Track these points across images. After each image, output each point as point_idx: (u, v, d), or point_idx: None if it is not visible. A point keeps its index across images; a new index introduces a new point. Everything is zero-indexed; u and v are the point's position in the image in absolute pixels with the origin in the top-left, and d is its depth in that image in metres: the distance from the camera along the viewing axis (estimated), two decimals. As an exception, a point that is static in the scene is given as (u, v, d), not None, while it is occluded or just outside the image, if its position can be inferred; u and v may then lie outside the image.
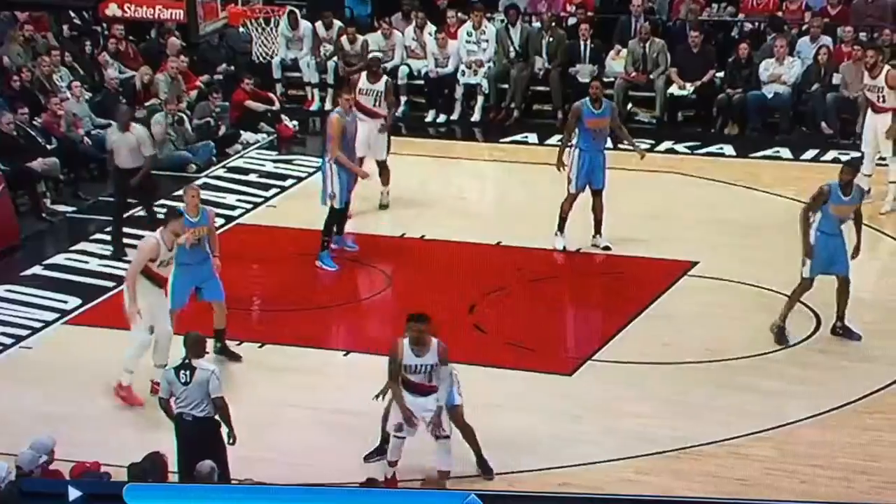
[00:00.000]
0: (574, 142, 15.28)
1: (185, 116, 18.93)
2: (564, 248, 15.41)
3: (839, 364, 12.95)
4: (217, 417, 10.72)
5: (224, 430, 10.74)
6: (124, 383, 12.59)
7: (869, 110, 16.37)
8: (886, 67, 16.38)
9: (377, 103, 16.37)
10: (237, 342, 13.51)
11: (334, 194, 15.02)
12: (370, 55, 18.43)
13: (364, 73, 16.68)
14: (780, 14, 20.43)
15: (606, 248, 15.45)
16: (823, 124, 18.97)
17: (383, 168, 16.61)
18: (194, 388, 10.70)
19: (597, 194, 15.37)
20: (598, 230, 15.51)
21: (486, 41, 20.50)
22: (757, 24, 20.67)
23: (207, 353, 11.21)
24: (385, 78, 16.90)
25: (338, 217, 15.21)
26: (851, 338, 13.38)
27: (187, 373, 10.75)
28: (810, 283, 13.38)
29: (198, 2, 17.12)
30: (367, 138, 16.15)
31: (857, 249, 13.39)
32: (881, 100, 16.25)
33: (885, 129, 16.19)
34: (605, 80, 19.84)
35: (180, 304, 12.95)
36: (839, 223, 13.34)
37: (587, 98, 15.38)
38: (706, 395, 12.53)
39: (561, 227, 15.42)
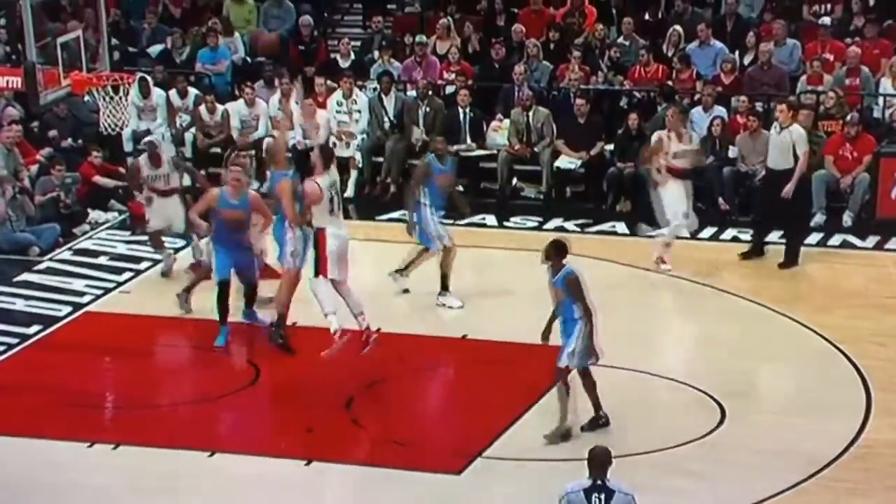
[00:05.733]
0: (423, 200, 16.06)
1: (25, 196, 18.59)
2: (462, 305, 15.81)
3: (744, 460, 12.98)
4: None
5: None
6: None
7: None
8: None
9: (166, 185, 17.17)
10: (88, 443, 13.21)
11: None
12: (145, 140, 18.40)
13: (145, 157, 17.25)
14: (670, 83, 20.76)
15: (452, 307, 16.03)
16: (720, 200, 19.24)
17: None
18: None
19: (447, 250, 16.02)
20: (444, 286, 16.07)
21: (359, 111, 20.52)
22: (646, 93, 20.98)
23: None
24: (166, 159, 17.33)
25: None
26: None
27: (601, 497, 9.94)
28: None
29: (37, 69, 16.89)
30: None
31: None
32: None
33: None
34: (488, 152, 20.04)
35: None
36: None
37: (433, 154, 16.30)
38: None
39: (446, 286, 15.95)
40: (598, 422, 13.28)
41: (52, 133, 20.86)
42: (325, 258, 14.45)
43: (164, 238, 17.39)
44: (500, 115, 20.68)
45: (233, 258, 15.22)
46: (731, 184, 19.26)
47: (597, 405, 13.30)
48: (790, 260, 17.39)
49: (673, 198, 17.10)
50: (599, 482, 9.92)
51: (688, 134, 17.49)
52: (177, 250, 17.49)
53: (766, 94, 20.31)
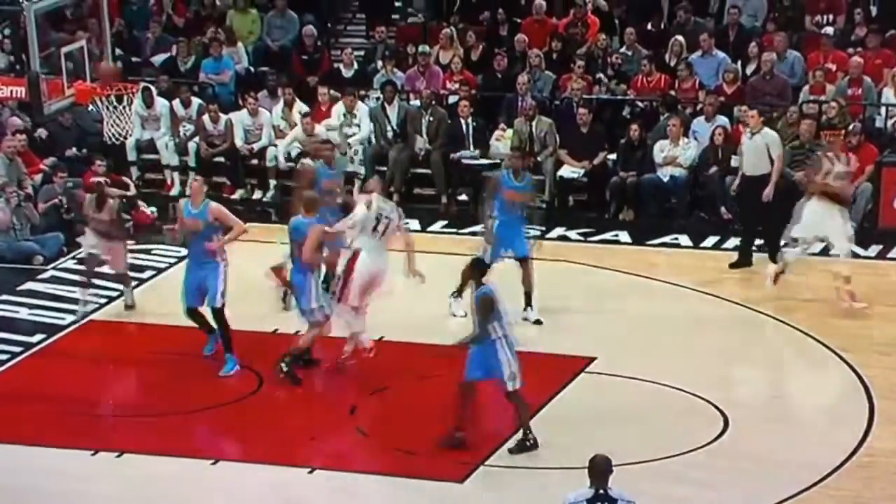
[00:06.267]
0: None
1: (30, 205, 18.66)
2: (466, 314, 15.48)
3: (747, 468, 13.02)
4: None
5: None
6: None
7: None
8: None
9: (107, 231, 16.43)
10: (91, 451, 13.27)
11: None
12: (96, 180, 17.69)
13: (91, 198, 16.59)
14: (672, 93, 20.82)
15: (538, 321, 15.77)
16: (723, 209, 19.29)
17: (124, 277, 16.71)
18: None
19: (523, 263, 15.78)
20: (528, 302, 15.78)
21: (358, 125, 20.59)
22: (649, 103, 21.03)
23: None
24: (110, 203, 16.61)
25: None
26: None
27: None
28: None
29: (41, 79, 16.95)
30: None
31: None
32: None
33: None
34: (490, 161, 20.10)
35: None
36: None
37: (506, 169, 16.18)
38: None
39: (461, 291, 15.55)
40: (454, 436, 13.14)
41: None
42: (348, 283, 14.48)
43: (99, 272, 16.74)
44: (502, 125, 20.74)
45: (197, 278, 14.86)
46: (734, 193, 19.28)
47: (459, 424, 13.15)
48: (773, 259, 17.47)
49: (811, 216, 16.52)
50: (602, 491, 9.86)
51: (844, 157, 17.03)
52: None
53: (769, 103, 20.35)
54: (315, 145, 17.19)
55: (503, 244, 15.88)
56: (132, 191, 19.81)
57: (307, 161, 17.29)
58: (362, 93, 21.28)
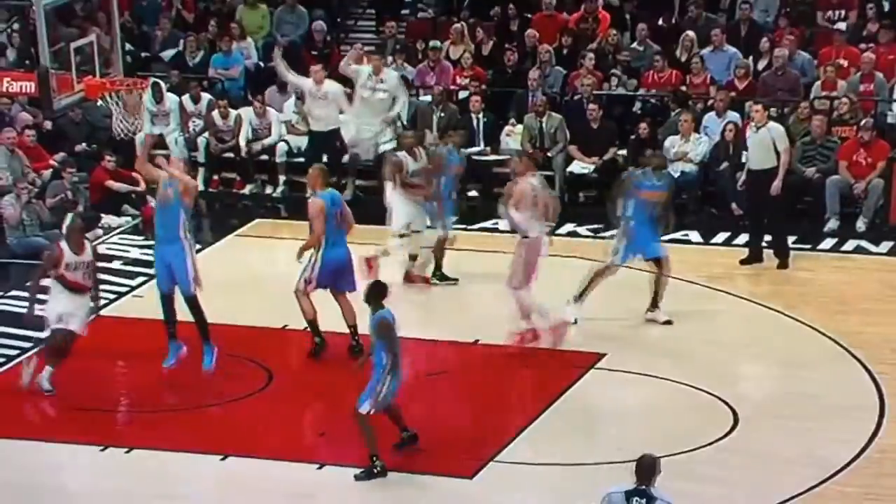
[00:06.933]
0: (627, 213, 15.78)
1: (40, 202, 18.74)
2: (576, 321, 15.62)
3: (756, 465, 13.04)
4: None
5: None
6: None
7: None
8: None
9: (86, 277, 14.63)
10: (101, 447, 13.32)
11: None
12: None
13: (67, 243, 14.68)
14: (683, 88, 20.81)
15: (668, 322, 15.80)
16: (734, 205, 19.29)
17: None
18: None
19: (657, 263, 15.76)
20: (655, 304, 15.83)
21: (386, 91, 20.15)
22: (659, 98, 21.04)
23: None
24: (88, 247, 14.77)
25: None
26: None
27: (641, 501, 9.96)
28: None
29: (51, 74, 17.01)
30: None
31: None
32: None
33: None
34: (501, 157, 20.10)
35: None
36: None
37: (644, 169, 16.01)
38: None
39: (581, 297, 15.71)
40: (402, 436, 13.02)
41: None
42: (530, 267, 15.04)
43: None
44: (513, 121, 20.76)
45: (163, 258, 14.58)
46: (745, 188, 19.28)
47: (400, 426, 13.02)
48: (783, 258, 17.46)
49: None
50: (643, 487, 10.01)
51: None
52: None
53: (780, 99, 20.35)
54: (407, 140, 17.25)
55: (636, 247, 15.75)
56: (142, 186, 19.84)
57: (399, 154, 17.24)
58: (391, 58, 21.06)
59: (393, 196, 16.82)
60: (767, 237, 17.74)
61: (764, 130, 17.45)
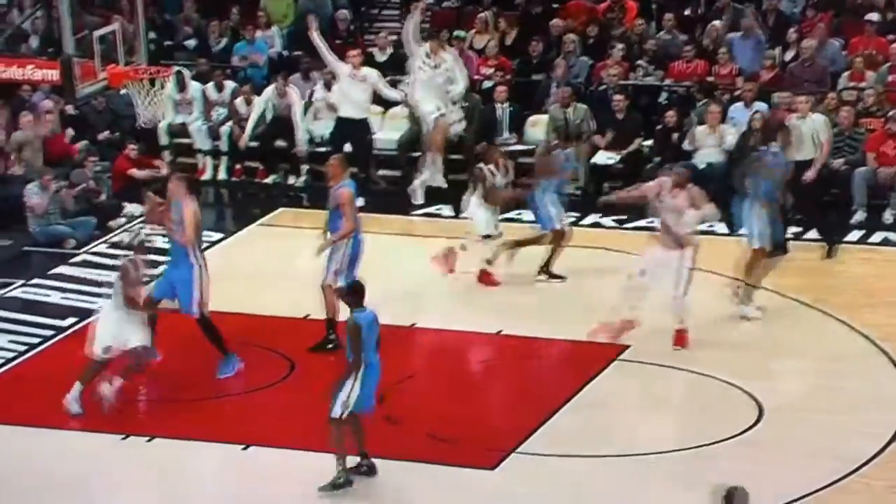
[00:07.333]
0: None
1: (68, 191, 18.80)
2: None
3: (781, 458, 12.98)
4: None
5: None
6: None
7: None
8: None
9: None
10: (123, 436, 13.31)
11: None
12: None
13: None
14: (710, 79, 20.72)
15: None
16: (759, 196, 19.17)
17: None
18: None
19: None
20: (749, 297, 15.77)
21: (447, 70, 19.35)
22: (685, 89, 20.94)
23: None
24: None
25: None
26: None
27: None
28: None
29: (74, 62, 17.01)
30: None
31: None
32: None
33: None
34: (526, 147, 20.04)
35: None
36: None
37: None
38: (639, 491, 12.47)
39: (749, 295, 15.65)
40: (361, 469, 12.52)
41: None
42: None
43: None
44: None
45: (171, 274, 14.46)
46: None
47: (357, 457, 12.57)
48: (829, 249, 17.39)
49: None
50: None
51: None
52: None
53: (808, 91, 20.23)
54: (493, 154, 17.22)
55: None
56: (164, 171, 19.82)
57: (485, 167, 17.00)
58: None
59: (473, 201, 16.80)
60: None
61: (809, 120, 17.40)
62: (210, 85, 21.48)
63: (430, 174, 19.18)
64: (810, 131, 17.40)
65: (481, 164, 17.09)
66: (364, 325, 12.22)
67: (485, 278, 16.72)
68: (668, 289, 14.78)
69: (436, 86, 19.30)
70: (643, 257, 15.12)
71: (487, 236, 16.76)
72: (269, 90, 21.10)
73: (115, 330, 13.68)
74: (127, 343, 13.68)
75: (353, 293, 12.53)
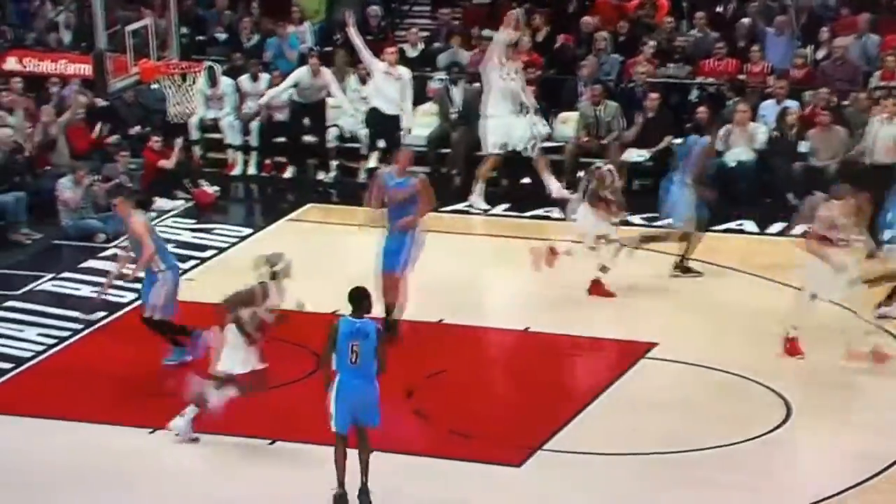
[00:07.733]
0: None
1: (101, 185, 18.91)
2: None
3: (808, 457, 12.97)
4: None
5: None
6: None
7: None
8: None
9: None
10: (150, 430, 13.42)
11: None
12: None
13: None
14: (741, 77, 20.69)
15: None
16: (790, 195, 19.14)
17: None
18: None
19: None
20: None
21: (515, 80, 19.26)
22: (716, 87, 20.92)
23: None
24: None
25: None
26: None
27: None
28: None
29: (106, 56, 17.09)
30: None
31: None
32: None
33: None
34: (555, 144, 20.03)
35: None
36: None
37: None
38: (665, 489, 12.49)
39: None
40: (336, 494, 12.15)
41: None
42: None
43: None
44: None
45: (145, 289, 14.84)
46: (802, 179, 19.15)
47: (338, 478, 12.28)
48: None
49: None
50: None
51: None
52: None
53: (839, 89, 20.18)
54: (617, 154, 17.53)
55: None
56: (171, 162, 19.90)
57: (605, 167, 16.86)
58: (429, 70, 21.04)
59: (582, 208, 16.51)
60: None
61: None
62: (245, 76, 21.48)
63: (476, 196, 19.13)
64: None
65: (601, 164, 16.88)
66: (341, 330, 11.94)
67: (596, 289, 16.35)
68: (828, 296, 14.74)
69: (510, 94, 19.17)
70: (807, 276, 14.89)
71: (602, 236, 16.34)
72: (303, 69, 21.07)
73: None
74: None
75: (350, 300, 12.21)
